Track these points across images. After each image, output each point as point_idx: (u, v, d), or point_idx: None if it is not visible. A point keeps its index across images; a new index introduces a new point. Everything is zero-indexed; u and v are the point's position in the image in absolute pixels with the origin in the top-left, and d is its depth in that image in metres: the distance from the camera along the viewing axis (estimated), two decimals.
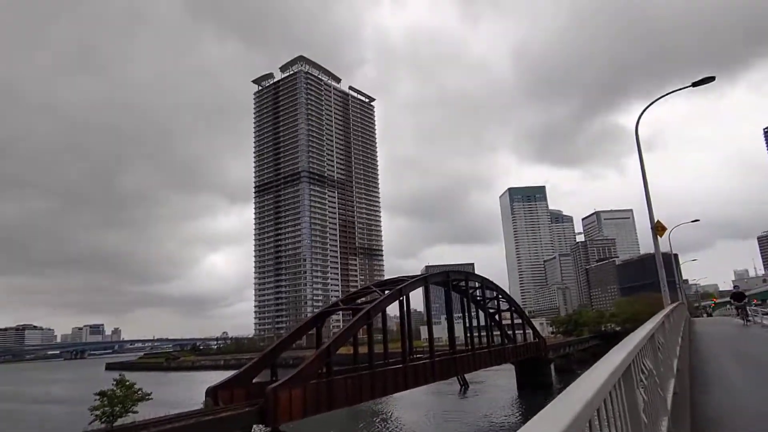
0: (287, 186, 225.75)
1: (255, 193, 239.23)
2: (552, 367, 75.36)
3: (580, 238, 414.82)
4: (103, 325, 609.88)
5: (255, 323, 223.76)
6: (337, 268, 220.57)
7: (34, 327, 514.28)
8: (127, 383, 21.97)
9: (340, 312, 39.26)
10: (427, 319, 45.28)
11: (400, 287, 39.02)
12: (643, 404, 3.88)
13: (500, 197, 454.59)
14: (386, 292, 38.16)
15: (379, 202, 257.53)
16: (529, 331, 68.62)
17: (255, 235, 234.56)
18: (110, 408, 21.06)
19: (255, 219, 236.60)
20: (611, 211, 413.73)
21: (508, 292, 69.54)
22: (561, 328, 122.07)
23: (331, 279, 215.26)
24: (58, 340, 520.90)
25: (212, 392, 28.79)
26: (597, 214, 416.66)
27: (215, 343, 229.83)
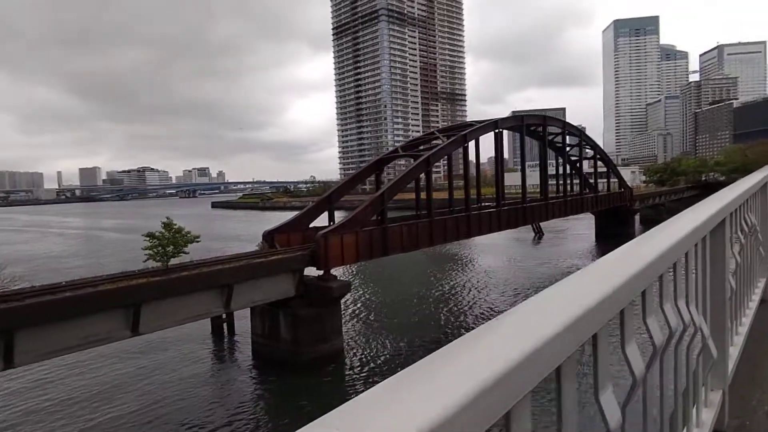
0: (365, 27, 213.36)
1: (333, 36, 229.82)
2: (637, 218, 71.26)
3: (695, 77, 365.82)
4: (208, 168, 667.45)
5: (339, 168, 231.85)
6: (418, 113, 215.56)
7: (152, 169, 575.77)
8: (175, 226, 22.38)
9: (409, 159, 37.35)
10: (496, 167, 42.45)
11: (464, 133, 35.89)
12: (734, 267, 3.40)
13: (603, 32, 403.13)
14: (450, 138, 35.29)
15: (463, 43, 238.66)
16: (615, 180, 63.70)
17: (335, 81, 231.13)
18: (162, 249, 21.77)
19: (335, 64, 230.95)
20: (737, 44, 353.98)
21: (599, 140, 63.57)
22: (655, 177, 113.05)
23: (412, 124, 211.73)
24: (173, 181, 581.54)
25: (268, 235, 29.49)
26: (719, 48, 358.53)
27: (304, 185, 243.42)
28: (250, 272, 23.68)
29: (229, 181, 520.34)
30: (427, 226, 32.83)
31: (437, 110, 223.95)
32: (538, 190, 49.97)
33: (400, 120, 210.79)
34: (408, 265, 50.85)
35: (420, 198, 35.62)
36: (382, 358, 26.00)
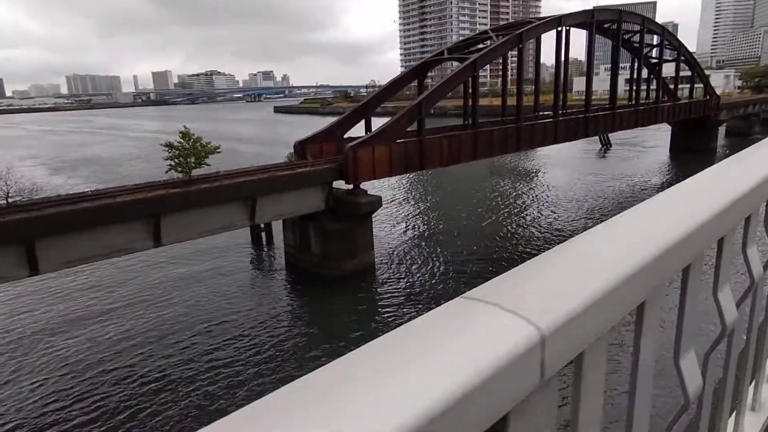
0: None
1: None
2: (722, 130, 63.67)
3: None
4: (272, 71, 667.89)
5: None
6: (486, 11, 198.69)
7: (220, 73, 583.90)
8: (193, 136, 21.57)
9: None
10: (555, 73, 37.81)
11: (520, 31, 31.66)
12: None
13: None
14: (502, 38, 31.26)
15: None
16: (700, 86, 56.12)
17: None
18: (184, 159, 21.20)
19: None
20: None
21: (692, 39, 55.32)
22: (752, 82, 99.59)
23: (480, 23, 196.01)
24: (240, 84, 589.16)
25: (300, 146, 28.29)
26: None
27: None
28: (275, 185, 22.87)
29: (293, 85, 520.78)
30: (471, 137, 30.29)
31: (508, 7, 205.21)
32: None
33: (466, 18, 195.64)
34: (456, 178, 48.81)
35: (468, 106, 32.83)
36: (415, 277, 25.22)
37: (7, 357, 18.67)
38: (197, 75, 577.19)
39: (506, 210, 37.59)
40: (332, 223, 24.87)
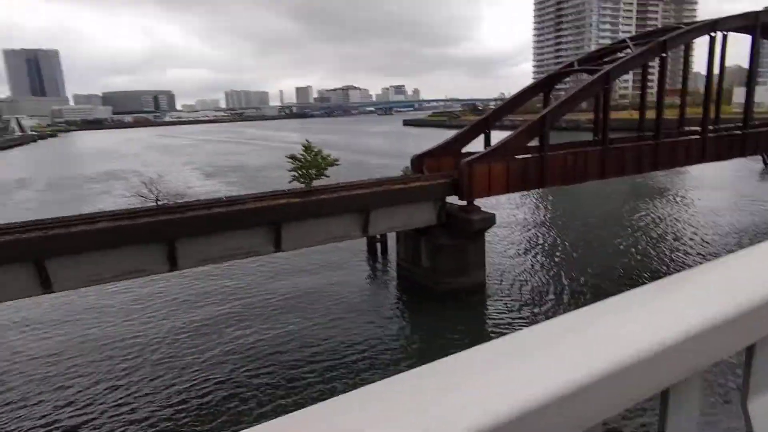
0: None
1: None
2: None
3: None
4: (404, 85, 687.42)
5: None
6: (631, 18, 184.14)
7: (354, 87, 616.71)
8: (315, 150, 22.83)
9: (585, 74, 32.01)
10: (706, 84, 33.59)
11: (663, 39, 28.73)
12: None
13: None
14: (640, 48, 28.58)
15: None
16: None
17: None
18: (305, 171, 22.56)
19: None
20: None
21: None
22: None
23: (623, 31, 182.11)
24: (373, 98, 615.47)
25: (417, 160, 28.54)
26: None
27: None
28: (388, 199, 23.33)
29: (423, 98, 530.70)
30: (599, 154, 28.11)
31: (657, 12, 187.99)
32: None
33: (607, 26, 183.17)
34: (590, 195, 45.67)
35: (599, 120, 30.63)
36: (528, 300, 24.02)
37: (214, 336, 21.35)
38: (334, 90, 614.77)
39: (641, 232, 34.20)
40: (443, 238, 24.67)
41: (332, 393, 15.33)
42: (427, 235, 25.13)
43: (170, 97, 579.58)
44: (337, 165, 23.65)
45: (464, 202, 24.97)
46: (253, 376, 18.16)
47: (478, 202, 25.11)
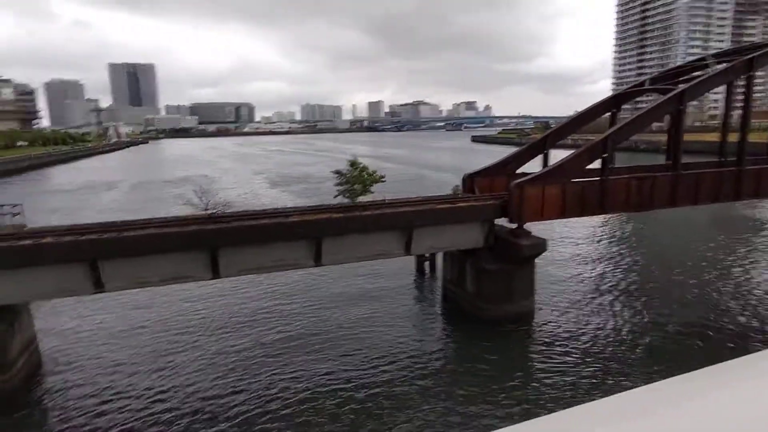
0: None
1: None
2: None
3: None
4: (475, 101, 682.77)
5: None
6: (724, 34, 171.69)
7: (425, 103, 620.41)
8: (361, 165, 22.68)
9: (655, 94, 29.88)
10: None
11: (750, 56, 26.13)
12: None
13: None
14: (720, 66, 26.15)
15: None
16: None
17: None
18: (350, 186, 22.47)
19: None
20: None
21: None
22: None
23: (714, 47, 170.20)
24: (443, 113, 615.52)
25: (468, 179, 27.62)
26: None
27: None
28: (433, 218, 22.67)
29: (495, 114, 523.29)
30: (670, 180, 25.90)
31: (756, 26, 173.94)
32: None
33: (698, 41, 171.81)
34: (663, 223, 42.47)
35: (672, 144, 28.28)
36: (580, 333, 22.28)
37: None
38: (405, 104, 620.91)
39: (719, 268, 31.09)
40: (489, 261, 23.58)
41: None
42: (473, 257, 24.15)
43: (250, 108, 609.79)
44: (382, 182, 23.37)
45: (514, 225, 23.79)
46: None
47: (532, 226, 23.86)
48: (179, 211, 27.32)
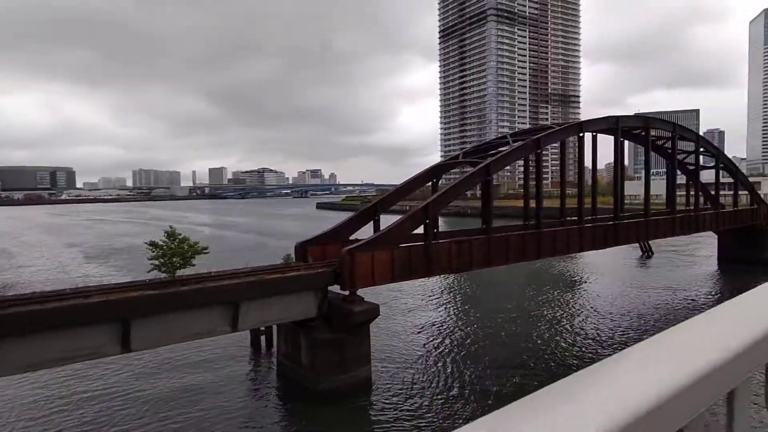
0: (473, 28, 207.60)
1: (440, 39, 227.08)
2: None
3: None
4: (320, 170, 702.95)
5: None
6: (525, 117, 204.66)
7: (271, 170, 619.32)
8: (180, 236, 20.89)
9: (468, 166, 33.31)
10: (578, 177, 36.42)
11: (538, 137, 30.89)
12: None
13: (751, 23, 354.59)
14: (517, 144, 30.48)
15: (578, 43, 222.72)
16: (745, 193, 53.04)
17: (440, 84, 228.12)
18: (167, 259, 20.36)
19: (440, 68, 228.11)
20: None
21: (741, 146, 53.37)
22: None
23: (519, 127, 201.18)
24: (289, 181, 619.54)
25: (301, 247, 27.29)
26: None
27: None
28: (261, 289, 21.49)
29: (339, 182, 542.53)
30: (484, 243, 28.51)
31: (547, 112, 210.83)
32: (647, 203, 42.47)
33: (506, 123, 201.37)
34: (488, 281, 46.29)
35: (487, 210, 31.41)
36: (418, 399, 22.30)
37: None
38: (250, 172, 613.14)
39: (537, 321, 34.51)
40: (322, 331, 22.92)
41: None
42: (306, 328, 23.29)
43: (69, 173, 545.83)
44: (206, 253, 21.70)
45: (347, 292, 23.69)
46: None
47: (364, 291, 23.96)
48: None
